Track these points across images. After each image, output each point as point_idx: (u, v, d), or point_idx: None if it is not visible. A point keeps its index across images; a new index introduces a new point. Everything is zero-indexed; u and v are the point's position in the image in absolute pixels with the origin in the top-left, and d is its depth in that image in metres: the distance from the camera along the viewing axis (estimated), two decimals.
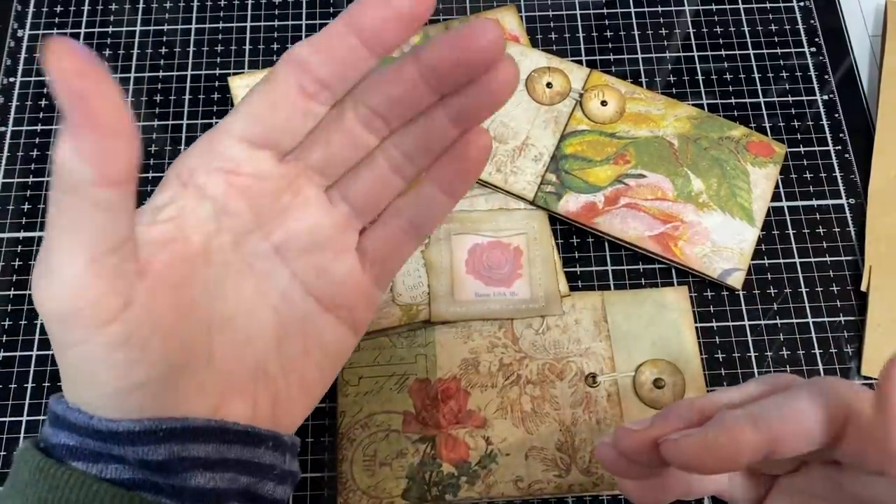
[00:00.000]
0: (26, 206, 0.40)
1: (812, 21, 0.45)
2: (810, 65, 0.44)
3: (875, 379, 0.35)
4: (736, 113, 0.42)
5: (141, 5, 0.45)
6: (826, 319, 0.37)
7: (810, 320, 0.37)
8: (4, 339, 0.37)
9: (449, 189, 0.24)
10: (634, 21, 0.45)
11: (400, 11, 0.20)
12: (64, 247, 0.18)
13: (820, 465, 0.23)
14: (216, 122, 0.42)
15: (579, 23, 0.45)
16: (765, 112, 0.42)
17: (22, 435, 0.35)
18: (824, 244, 0.39)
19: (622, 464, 0.25)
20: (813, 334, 0.37)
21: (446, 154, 0.24)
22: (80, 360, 0.20)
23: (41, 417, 0.36)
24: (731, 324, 0.37)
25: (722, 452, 0.21)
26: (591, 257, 0.39)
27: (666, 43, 0.44)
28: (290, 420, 0.25)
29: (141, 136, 0.41)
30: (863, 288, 0.37)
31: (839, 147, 0.41)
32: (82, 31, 0.45)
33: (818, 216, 0.40)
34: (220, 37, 0.45)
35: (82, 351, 0.19)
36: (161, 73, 0.44)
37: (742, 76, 0.43)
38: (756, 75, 0.43)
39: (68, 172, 0.18)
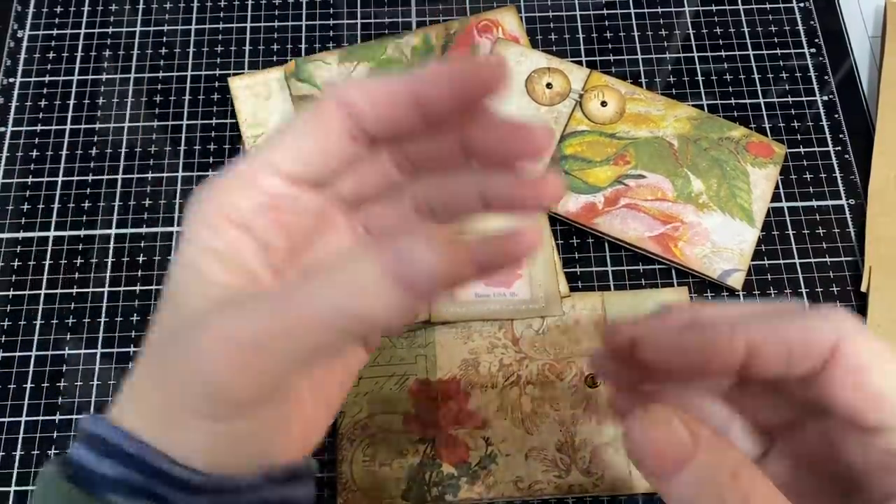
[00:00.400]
0: (26, 207, 0.40)
1: (812, 22, 0.45)
2: (810, 66, 0.44)
3: None
4: (736, 113, 0.42)
5: (141, 5, 0.45)
6: None
7: None
8: (4, 339, 0.37)
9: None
10: (634, 21, 0.45)
11: (463, 90, 0.20)
12: (291, 365, 0.19)
13: (814, 421, 0.23)
14: (213, 121, 0.42)
15: (579, 23, 0.45)
16: (765, 113, 0.42)
17: (21, 435, 0.35)
18: (824, 245, 0.39)
19: (611, 367, 0.25)
20: None
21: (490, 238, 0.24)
22: (205, 433, 0.19)
23: (40, 417, 0.36)
24: None
25: (695, 349, 0.21)
26: (591, 258, 0.39)
27: (666, 43, 0.44)
28: (317, 437, 0.25)
29: (141, 136, 0.41)
30: (863, 288, 0.37)
31: (839, 148, 0.41)
32: (82, 31, 0.45)
33: (818, 217, 0.40)
34: (220, 37, 0.45)
35: (213, 428, 0.19)
36: (161, 73, 0.44)
37: (742, 77, 0.43)
38: (756, 76, 0.43)
39: None
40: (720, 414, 0.24)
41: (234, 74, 0.43)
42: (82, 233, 0.39)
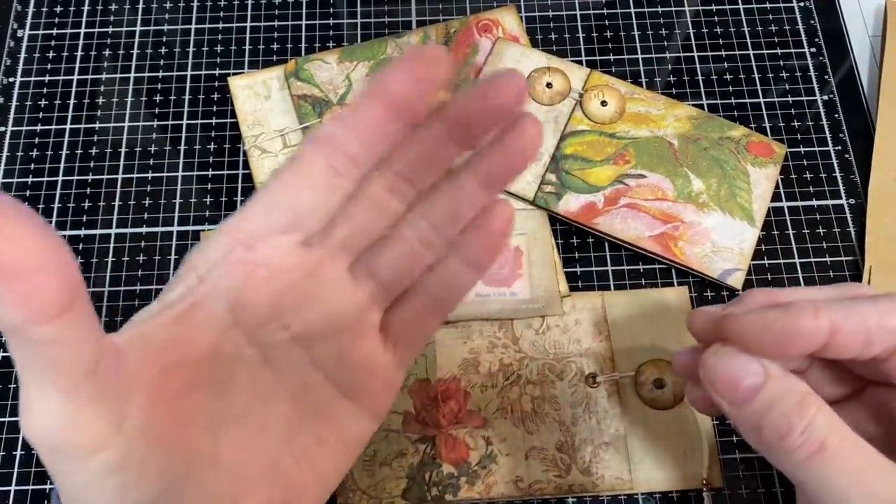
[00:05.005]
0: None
1: (812, 21, 0.45)
2: (810, 65, 0.44)
3: None
4: (736, 113, 0.42)
5: (141, 5, 0.45)
6: None
7: None
8: (3, 339, 0.37)
9: (474, 263, 0.23)
10: (634, 21, 0.45)
11: (422, 75, 0.20)
12: (33, 383, 0.17)
13: (874, 390, 0.24)
14: (213, 120, 0.42)
15: (579, 23, 0.45)
16: (765, 112, 0.42)
17: (21, 435, 0.35)
18: (824, 244, 0.39)
19: (693, 365, 0.25)
20: None
21: (470, 227, 0.23)
22: (74, 486, 0.19)
23: None
24: None
25: (777, 332, 0.22)
26: (591, 257, 0.39)
27: (666, 43, 0.44)
28: None
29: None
30: None
31: (839, 147, 0.41)
32: (82, 30, 0.45)
33: (818, 216, 0.40)
34: (220, 37, 0.45)
35: (74, 479, 0.18)
36: (161, 73, 0.44)
37: (742, 76, 0.43)
38: (756, 75, 0.43)
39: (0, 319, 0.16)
40: None
41: (234, 74, 0.43)
42: (82, 233, 0.39)
